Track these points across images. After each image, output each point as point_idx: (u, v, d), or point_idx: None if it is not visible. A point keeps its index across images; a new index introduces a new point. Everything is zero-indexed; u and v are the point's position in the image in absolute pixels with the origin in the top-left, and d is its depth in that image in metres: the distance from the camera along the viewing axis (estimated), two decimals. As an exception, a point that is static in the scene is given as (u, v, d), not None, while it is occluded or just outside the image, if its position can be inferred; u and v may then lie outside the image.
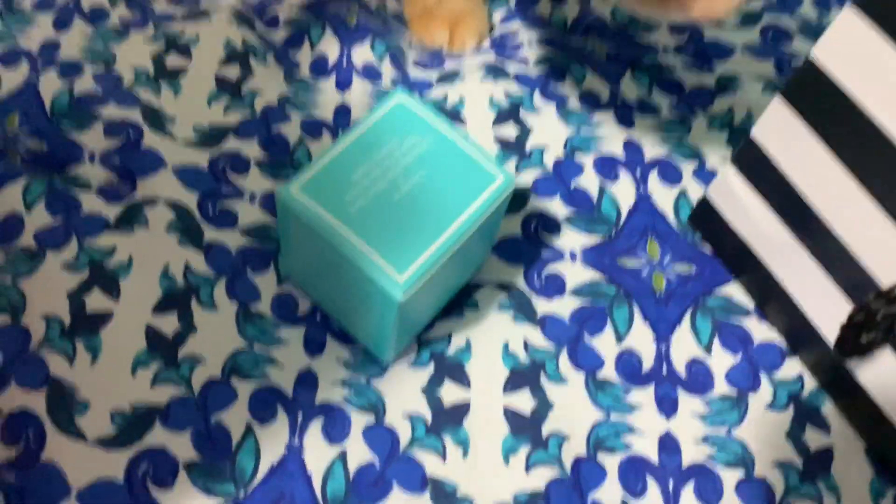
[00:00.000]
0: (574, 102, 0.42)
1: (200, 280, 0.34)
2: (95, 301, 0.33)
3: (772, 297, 0.36)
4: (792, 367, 0.36)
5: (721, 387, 0.35)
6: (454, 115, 0.41)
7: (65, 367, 0.32)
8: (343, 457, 0.32)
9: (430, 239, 0.28)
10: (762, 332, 0.36)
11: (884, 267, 0.29)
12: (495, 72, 0.43)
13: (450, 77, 0.43)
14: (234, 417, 0.32)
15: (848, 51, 0.28)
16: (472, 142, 0.30)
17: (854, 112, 0.29)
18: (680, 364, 0.35)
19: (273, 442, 0.31)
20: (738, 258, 0.37)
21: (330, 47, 0.42)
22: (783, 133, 0.32)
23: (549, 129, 0.41)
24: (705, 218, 0.38)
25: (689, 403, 0.34)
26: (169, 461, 0.30)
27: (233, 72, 0.40)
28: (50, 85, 0.38)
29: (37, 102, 0.38)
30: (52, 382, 0.31)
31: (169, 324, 0.33)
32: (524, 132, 0.41)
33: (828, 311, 0.33)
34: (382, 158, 0.29)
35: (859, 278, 0.30)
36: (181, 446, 0.31)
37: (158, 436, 0.31)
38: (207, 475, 0.30)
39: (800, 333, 0.35)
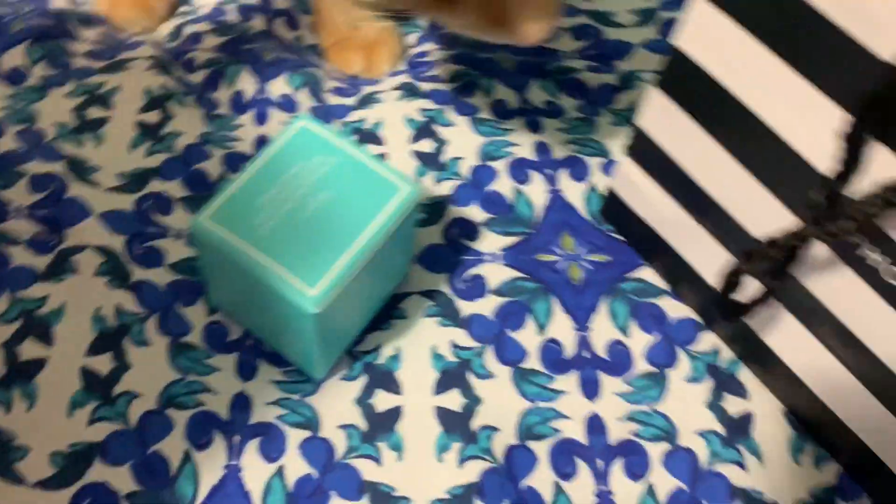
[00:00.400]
0: (485, 113, 0.44)
1: (132, 318, 0.36)
2: (29, 349, 0.34)
3: (681, 277, 0.37)
4: (707, 340, 0.37)
5: (641, 365, 0.36)
6: (373, 137, 0.43)
7: (1, 416, 0.33)
8: (280, 472, 0.33)
9: (338, 252, 0.30)
10: (676, 309, 0.38)
11: (768, 234, 0.31)
12: (410, 91, 0.44)
13: (367, 101, 0.44)
14: (172, 446, 0.33)
15: (706, 37, 0.30)
16: (376, 158, 0.32)
17: (721, 93, 0.30)
18: (600, 347, 0.37)
19: (211, 465, 0.33)
20: (647, 243, 0.38)
21: (247, 84, 0.44)
22: (664, 120, 0.34)
23: (463, 141, 0.43)
24: (615, 210, 0.39)
25: (611, 384, 0.36)
26: (110, 495, 0.31)
27: (153, 117, 0.42)
28: (-27, 148, 0.40)
29: (-38, 166, 0.39)
30: (-9, 431, 0.32)
31: (103, 363, 0.34)
32: (440, 146, 0.43)
33: (706, 264, 0.34)
34: (288, 181, 0.31)
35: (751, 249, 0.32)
36: (121, 479, 0.32)
37: (98, 471, 0.32)
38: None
39: (711, 307, 0.37)
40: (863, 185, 0.26)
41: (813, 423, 0.35)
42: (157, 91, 0.43)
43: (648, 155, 0.35)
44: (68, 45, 0.45)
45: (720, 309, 0.27)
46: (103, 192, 0.39)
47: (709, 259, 0.35)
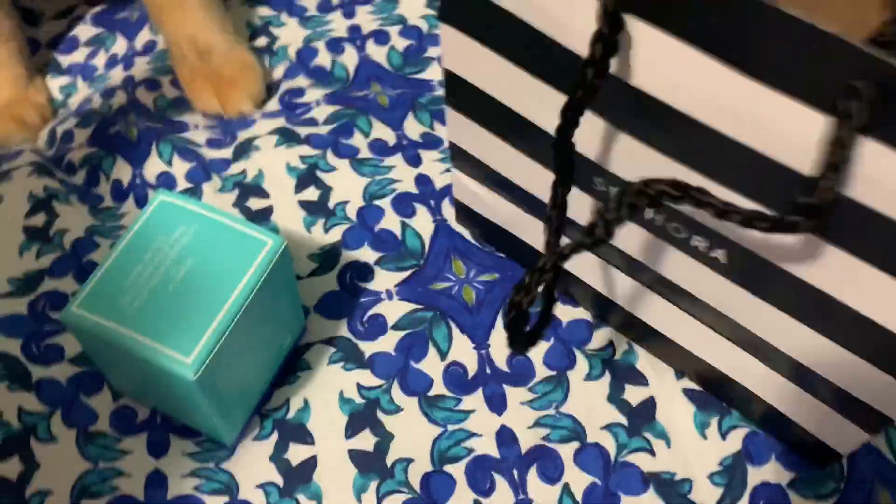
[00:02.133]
0: (365, 152, 0.45)
1: (36, 418, 0.36)
2: (-66, 468, 0.34)
3: (562, 277, 0.39)
4: (601, 337, 0.39)
5: (542, 371, 0.38)
6: (256, 189, 0.44)
7: (-87, 539, 0.32)
8: (202, 542, 0.33)
9: (210, 316, 0.30)
10: (568, 313, 0.39)
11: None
12: (288, 136, 0.46)
13: (244, 149, 0.45)
14: (90, 537, 0.33)
15: (460, 51, 0.32)
16: (238, 218, 0.33)
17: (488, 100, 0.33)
18: (501, 362, 0.38)
19: (131, 548, 0.33)
20: (502, 240, 0.40)
21: (122, 172, 0.45)
22: (462, 130, 0.36)
23: (346, 184, 0.44)
24: (468, 216, 0.41)
25: (516, 395, 0.37)
26: None
27: (39, 219, 0.43)
28: None
29: None
30: None
31: (12, 468, 0.34)
32: (325, 192, 0.44)
33: (587, 267, 0.36)
34: (152, 256, 0.32)
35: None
36: (41, 579, 0.32)
37: (16, 576, 0.32)
38: None
39: (595, 300, 0.38)
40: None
41: (716, 387, 0.36)
42: (40, 194, 0.43)
43: (466, 162, 0.37)
44: (-51, 164, 0.45)
45: (510, 342, 0.28)
46: (-5, 299, 0.39)
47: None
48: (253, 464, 0.35)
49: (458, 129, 0.36)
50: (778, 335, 0.30)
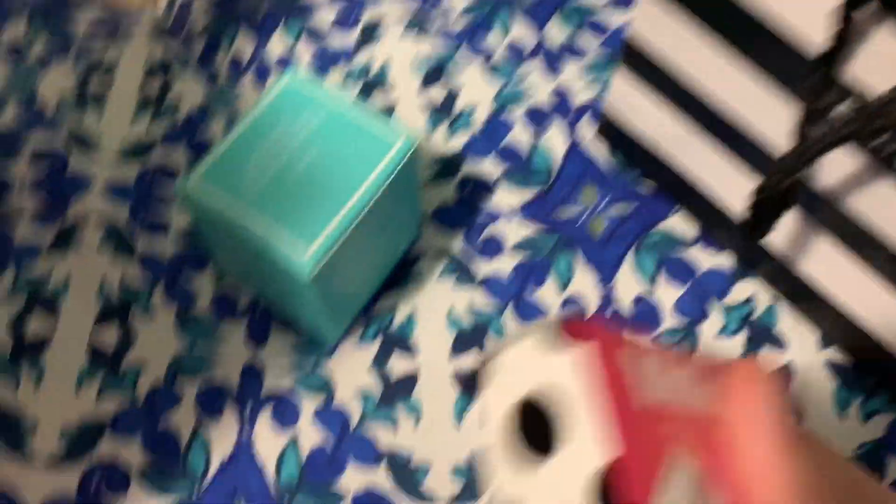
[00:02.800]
0: (501, 54, 0.42)
1: (137, 290, 0.35)
2: (35, 325, 0.33)
3: (709, 217, 0.35)
4: (743, 290, 0.35)
5: (670, 320, 0.34)
6: (381, 83, 0.41)
7: (10, 394, 0.32)
8: (294, 442, 0.32)
9: (332, 212, 0.28)
10: (708, 260, 0.36)
11: (778, 141, 0.29)
12: (417, 27, 0.42)
13: (370, 35, 0.42)
14: (182, 418, 0.32)
15: None
16: (369, 110, 0.30)
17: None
18: (625, 303, 0.35)
19: (222, 438, 0.32)
20: (652, 166, 0.36)
21: (245, 45, 0.42)
22: (657, 22, 0.31)
23: (476, 87, 0.41)
24: (611, 133, 0.37)
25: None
26: (120, 470, 0.31)
27: (154, 86, 0.41)
28: (-25, 125, 0.39)
29: (-36, 144, 0.38)
30: None
31: (109, 337, 0.33)
32: (452, 93, 0.40)
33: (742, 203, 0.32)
34: (276, 140, 0.29)
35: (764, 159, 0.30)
36: (131, 454, 0.31)
37: (108, 447, 0.31)
38: (159, 479, 0.31)
39: (745, 247, 0.34)
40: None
41: (865, 360, 0.32)
42: (157, 61, 0.42)
43: (640, 64, 0.33)
44: (69, 20, 0.44)
45: (742, 231, 0.24)
46: (106, 163, 0.38)
47: (720, 177, 0.33)
48: (352, 368, 0.33)
49: (651, 18, 0.31)
50: None
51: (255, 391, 0.33)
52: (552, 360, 0.17)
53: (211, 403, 0.32)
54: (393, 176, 0.29)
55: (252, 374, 0.33)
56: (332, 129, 0.30)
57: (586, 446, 0.17)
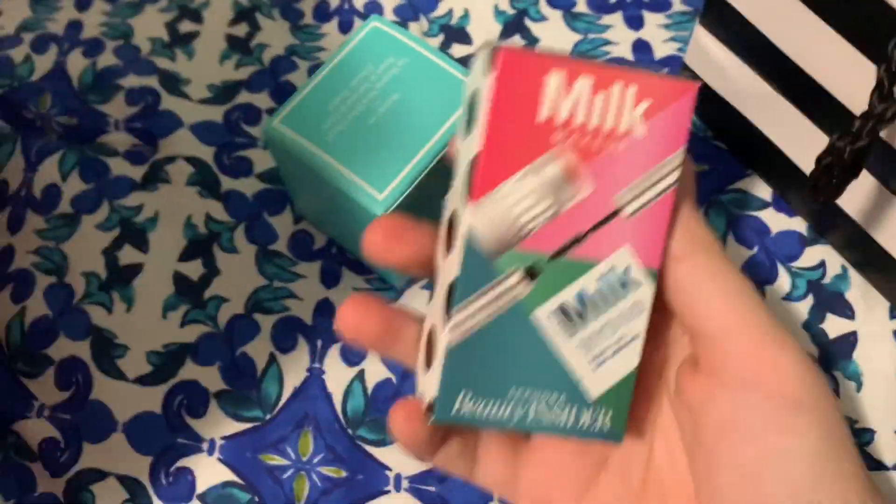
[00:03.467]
0: (582, 5, 0.41)
1: (221, 227, 0.37)
2: (127, 255, 0.36)
3: (783, 177, 0.34)
4: (814, 255, 0.34)
5: (738, 281, 0.34)
6: (461, 34, 0.41)
7: (104, 317, 0.35)
8: (361, 376, 0.33)
9: (408, 156, 0.29)
10: (781, 221, 0.35)
11: (858, 101, 0.28)
12: None
13: None
14: (258, 348, 0.34)
15: None
16: (449, 59, 0.31)
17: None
18: (693, 262, 0.35)
19: (295, 368, 0.33)
20: (727, 125, 0.35)
21: (331, -8, 0.43)
22: None
23: (556, 38, 0.41)
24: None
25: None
26: (200, 392, 0.33)
27: (241, 30, 0.42)
28: (76, 64, 0.41)
29: (65, 81, 0.41)
30: (94, 331, 0.34)
31: (194, 269, 0.36)
32: (531, 43, 0.41)
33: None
34: (358, 84, 0.30)
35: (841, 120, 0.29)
36: (211, 378, 0.33)
37: (190, 370, 0.33)
38: (236, 402, 0.33)
39: (821, 213, 0.34)
40: None
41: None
42: (245, 4, 0.43)
43: (721, 18, 0.32)
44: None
45: (813, 191, 0.24)
46: (194, 104, 0.40)
47: (797, 138, 0.32)
48: (418, 309, 0.35)
49: None
50: None
51: (328, 327, 0.34)
52: (483, 79, 0.21)
53: (285, 336, 0.34)
54: None
55: (324, 311, 0.35)
56: (413, 76, 0.30)
57: (473, 142, 0.22)
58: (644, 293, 0.23)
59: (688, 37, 0.40)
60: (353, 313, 0.25)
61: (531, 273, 0.22)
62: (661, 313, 0.25)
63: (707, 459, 0.22)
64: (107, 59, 0.41)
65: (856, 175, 0.25)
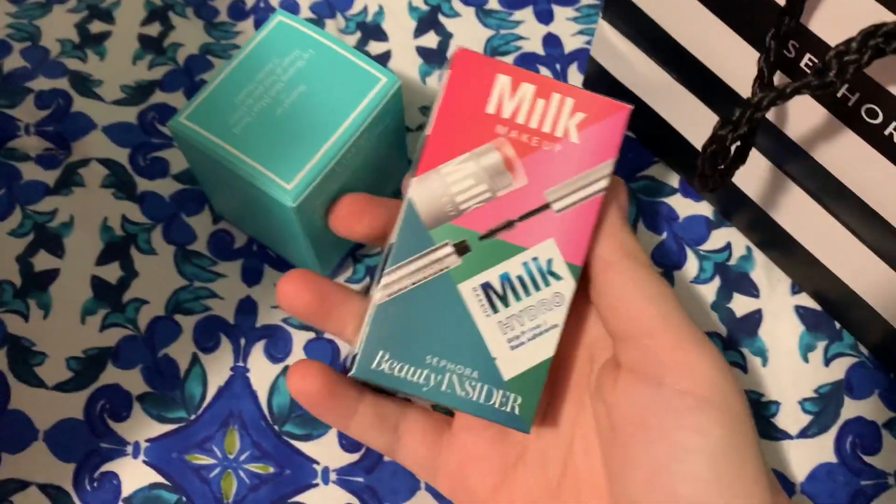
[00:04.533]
0: (493, 2, 0.42)
1: (138, 228, 0.36)
2: (42, 261, 0.35)
3: (688, 164, 0.36)
4: (720, 237, 0.36)
5: (648, 264, 0.36)
6: (376, 30, 0.41)
7: (20, 325, 0.34)
8: (286, 372, 0.34)
9: (316, 145, 0.29)
10: (689, 207, 0.37)
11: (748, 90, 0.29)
12: None
13: None
14: (180, 349, 0.34)
15: None
16: (355, 51, 0.31)
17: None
18: (605, 248, 0.36)
19: (219, 367, 0.34)
20: (640, 120, 0.37)
21: (244, -9, 0.43)
22: None
23: (469, 34, 0.41)
24: (596, 81, 0.38)
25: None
26: (123, 395, 0.33)
27: (154, 29, 0.42)
28: (-19, 66, 0.40)
29: (-28, 85, 0.40)
30: (10, 340, 0.34)
31: (112, 272, 0.35)
32: (445, 39, 0.41)
33: None
34: (264, 77, 0.30)
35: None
36: (133, 381, 0.33)
37: (111, 375, 0.33)
38: (159, 404, 0.33)
39: (724, 193, 0.35)
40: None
41: (832, 306, 0.34)
42: (157, 3, 0.42)
43: (620, 9, 0.33)
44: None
45: (700, 179, 0.26)
46: (108, 105, 0.39)
47: (698, 126, 0.34)
48: (341, 307, 0.35)
49: None
50: None
51: (250, 325, 0.35)
52: (443, 81, 0.25)
53: (208, 336, 0.34)
54: (376, 113, 0.30)
55: (247, 310, 0.35)
56: (319, 68, 0.31)
57: (426, 129, 0.25)
58: (565, 286, 0.24)
59: (594, 30, 0.41)
60: (292, 286, 0.26)
61: (461, 248, 0.24)
62: (588, 315, 0.26)
63: (621, 456, 0.23)
64: (14, 62, 0.40)
65: (742, 162, 0.26)
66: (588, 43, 0.41)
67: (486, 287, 0.24)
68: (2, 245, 0.36)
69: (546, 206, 0.24)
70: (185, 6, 0.42)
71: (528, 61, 0.40)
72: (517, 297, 0.24)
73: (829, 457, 0.32)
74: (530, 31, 0.41)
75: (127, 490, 0.31)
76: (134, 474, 0.32)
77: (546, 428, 0.27)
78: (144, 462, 0.32)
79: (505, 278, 0.24)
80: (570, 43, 0.41)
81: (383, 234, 0.27)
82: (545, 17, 0.42)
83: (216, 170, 0.30)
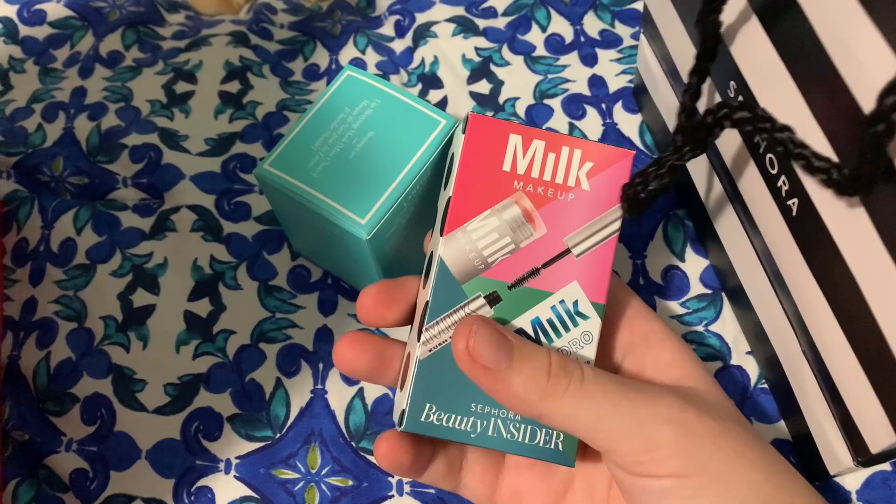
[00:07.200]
0: (541, 50, 0.46)
1: (225, 267, 0.40)
2: (140, 298, 0.39)
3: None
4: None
5: (696, 287, 0.38)
6: (433, 79, 0.45)
7: (123, 355, 0.38)
8: (360, 393, 0.36)
9: (385, 183, 0.33)
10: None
11: None
12: (465, 26, 0.47)
13: (422, 34, 0.47)
14: (265, 375, 0.37)
15: None
16: (417, 98, 0.35)
17: None
18: (656, 274, 0.38)
19: (300, 390, 0.37)
20: (658, 135, 0.39)
21: (320, 57, 0.47)
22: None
23: (519, 80, 0.45)
24: (641, 97, 0.40)
25: (666, 307, 0.38)
26: (215, 417, 0.36)
27: (234, 87, 0.46)
28: (82, 127, 0.45)
29: (75, 146, 0.44)
30: (114, 369, 0.37)
31: (202, 307, 0.39)
32: (497, 86, 0.45)
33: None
34: (337, 125, 0.34)
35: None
36: (223, 404, 0.36)
37: (204, 398, 0.37)
38: (248, 424, 0.36)
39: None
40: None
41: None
42: (236, 63, 0.47)
43: (653, 33, 0.36)
44: (157, 29, 0.49)
45: (625, 208, 0.28)
46: (193, 157, 0.43)
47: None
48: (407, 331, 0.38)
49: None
50: (810, 310, 0.28)
51: (327, 351, 0.38)
52: (458, 139, 0.27)
53: (289, 362, 0.37)
54: (438, 151, 0.33)
55: (324, 338, 0.38)
56: (385, 115, 0.34)
57: (448, 190, 0.27)
58: (592, 324, 0.26)
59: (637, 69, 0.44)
60: (349, 349, 0.28)
61: (493, 299, 0.26)
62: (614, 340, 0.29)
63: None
64: (110, 121, 0.45)
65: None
66: (630, 82, 0.44)
67: (520, 333, 0.26)
68: (104, 285, 0.40)
69: (567, 252, 0.26)
70: (262, 66, 0.47)
71: (575, 102, 0.43)
72: (549, 340, 0.26)
73: (884, 465, 0.34)
74: (576, 74, 0.44)
75: (221, 502, 0.34)
76: (226, 488, 0.35)
77: (589, 456, 0.28)
78: (235, 477, 0.35)
79: (536, 323, 0.26)
80: (615, 82, 0.44)
81: (411, 316, 0.28)
82: (590, 60, 0.45)
83: (297, 210, 0.34)
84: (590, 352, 0.26)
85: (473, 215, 0.26)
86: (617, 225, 0.26)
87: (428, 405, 0.26)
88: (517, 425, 0.26)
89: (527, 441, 0.26)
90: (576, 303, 0.26)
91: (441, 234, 0.26)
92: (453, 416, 0.26)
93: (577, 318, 0.26)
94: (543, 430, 0.26)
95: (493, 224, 0.26)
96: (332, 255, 0.36)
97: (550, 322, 0.26)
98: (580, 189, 0.26)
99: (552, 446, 0.26)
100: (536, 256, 0.26)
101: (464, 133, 0.26)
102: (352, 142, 0.34)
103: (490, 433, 0.26)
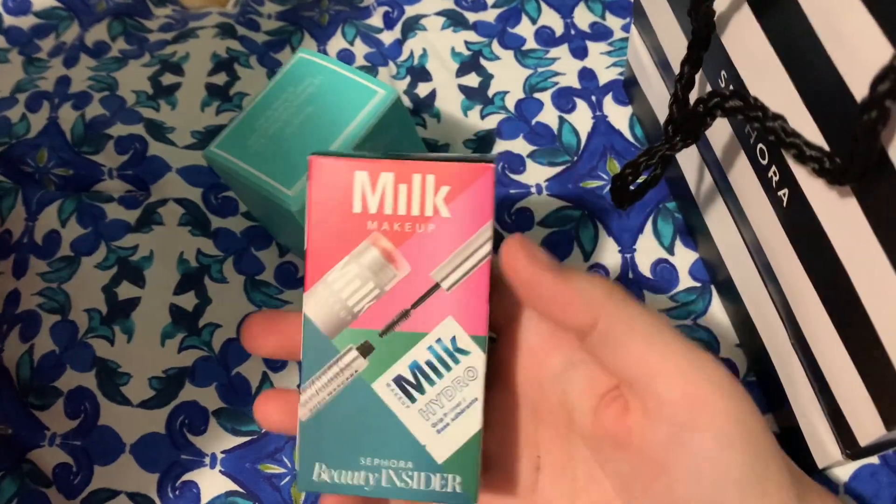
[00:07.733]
0: (531, 42, 0.45)
1: (211, 260, 0.40)
2: (125, 291, 0.39)
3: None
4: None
5: (686, 281, 0.38)
6: (422, 72, 0.45)
7: (107, 348, 0.37)
8: (347, 389, 0.36)
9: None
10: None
11: None
12: (455, 20, 0.46)
13: (411, 26, 0.46)
14: (252, 369, 0.37)
15: None
16: (358, 71, 0.35)
17: None
18: (645, 268, 0.38)
19: (286, 384, 0.36)
20: (647, 125, 0.39)
21: (308, 48, 0.47)
22: None
23: (508, 74, 0.44)
24: (630, 87, 0.40)
25: (655, 301, 0.37)
26: (200, 411, 0.36)
27: (221, 79, 0.46)
28: (66, 117, 0.44)
29: (60, 136, 0.44)
30: (98, 363, 0.37)
31: (188, 300, 0.38)
32: (486, 80, 0.44)
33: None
34: (280, 105, 0.34)
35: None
36: (209, 398, 0.36)
37: (189, 392, 0.36)
38: (234, 419, 0.36)
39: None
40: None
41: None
42: (223, 55, 0.46)
43: (644, 26, 0.36)
44: (144, 22, 0.49)
45: (613, 199, 0.27)
46: (180, 149, 0.43)
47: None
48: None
49: None
50: (799, 302, 0.28)
51: (314, 346, 0.37)
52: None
53: (276, 356, 0.37)
54: (373, 122, 0.33)
55: (311, 331, 0.38)
56: (326, 91, 0.34)
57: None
58: (475, 359, 0.25)
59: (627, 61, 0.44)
60: (268, 406, 0.27)
61: (365, 349, 0.25)
62: (525, 352, 0.27)
63: (646, 495, 0.25)
64: (95, 110, 0.44)
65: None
66: (621, 74, 0.44)
67: (399, 380, 0.25)
68: (89, 277, 0.39)
69: (436, 287, 0.25)
70: (248, 57, 0.46)
71: (564, 95, 0.43)
72: (431, 382, 0.25)
73: (872, 458, 0.33)
74: (566, 67, 0.44)
75: (206, 497, 0.34)
76: (212, 483, 0.34)
77: (548, 479, 0.27)
78: (221, 472, 0.35)
79: (415, 367, 0.25)
80: (605, 75, 0.44)
81: (292, 349, 0.27)
82: (580, 53, 0.45)
83: (242, 188, 0.34)
84: (476, 389, 0.25)
85: (332, 265, 0.25)
86: (487, 248, 0.25)
87: (317, 464, 0.25)
88: (409, 473, 0.25)
89: (423, 487, 0.25)
90: (453, 339, 0.25)
91: (304, 291, 0.25)
92: (344, 472, 0.25)
93: (458, 355, 0.25)
94: (438, 475, 0.25)
95: (354, 271, 0.25)
96: (285, 230, 0.36)
97: (430, 364, 0.25)
98: (440, 217, 0.25)
99: (450, 489, 0.25)
100: (405, 297, 0.25)
101: (308, 178, 0.25)
102: (291, 118, 0.34)
103: (384, 484, 0.25)
